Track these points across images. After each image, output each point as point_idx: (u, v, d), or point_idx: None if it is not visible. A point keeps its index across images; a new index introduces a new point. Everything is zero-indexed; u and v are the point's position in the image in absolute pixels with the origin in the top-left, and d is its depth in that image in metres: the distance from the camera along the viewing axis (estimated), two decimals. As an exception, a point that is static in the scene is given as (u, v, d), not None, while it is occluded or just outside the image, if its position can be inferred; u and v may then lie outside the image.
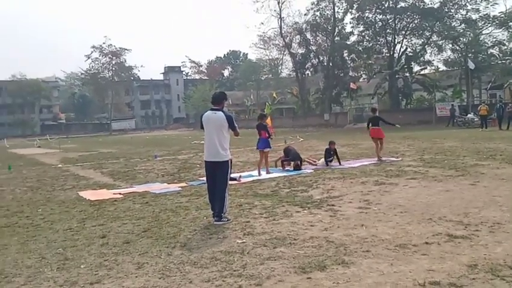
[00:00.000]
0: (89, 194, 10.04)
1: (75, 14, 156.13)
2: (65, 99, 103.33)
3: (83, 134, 74.67)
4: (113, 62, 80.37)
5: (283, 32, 55.37)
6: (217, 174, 6.81)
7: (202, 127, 7.01)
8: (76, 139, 52.79)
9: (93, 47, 78.22)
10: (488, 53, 44.95)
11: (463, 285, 3.83)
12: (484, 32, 44.13)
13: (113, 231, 6.44)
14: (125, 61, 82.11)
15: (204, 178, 11.46)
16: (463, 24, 43.43)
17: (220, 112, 6.87)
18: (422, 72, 48.44)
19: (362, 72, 56.25)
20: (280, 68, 74.40)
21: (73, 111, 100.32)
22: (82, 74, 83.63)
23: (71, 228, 6.79)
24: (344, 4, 49.29)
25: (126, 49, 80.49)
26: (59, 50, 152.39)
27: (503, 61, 43.31)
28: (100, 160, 19.79)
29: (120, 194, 9.86)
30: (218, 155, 6.78)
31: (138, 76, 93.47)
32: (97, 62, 79.98)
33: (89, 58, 79.31)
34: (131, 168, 15.67)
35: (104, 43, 78.47)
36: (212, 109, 6.94)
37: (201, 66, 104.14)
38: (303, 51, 55.16)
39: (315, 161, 13.43)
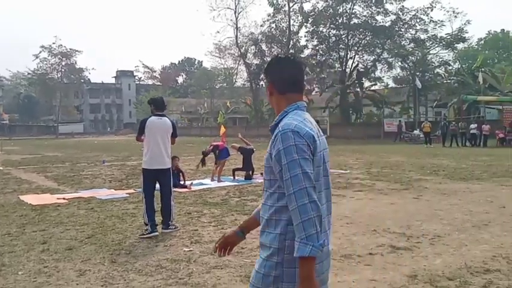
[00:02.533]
0: (31, 198, 9.64)
1: (23, 11, 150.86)
2: (9, 99, 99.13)
3: (27, 136, 71.76)
4: (63, 63, 77.88)
5: (238, 41, 55.62)
6: (163, 181, 6.64)
7: (141, 132, 6.60)
8: (19, 141, 50.72)
9: (42, 46, 75.52)
10: (435, 72, 46.90)
11: (403, 295, 3.95)
12: (431, 52, 46.07)
13: (55, 237, 6.21)
14: (76, 63, 79.74)
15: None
16: (412, 44, 45.16)
17: (166, 118, 6.74)
18: (373, 88, 49.85)
19: (314, 86, 57.25)
20: (235, 77, 74.61)
21: (18, 112, 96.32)
22: (28, 74, 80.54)
23: (9, 234, 6.49)
24: (299, 18, 50.12)
25: (77, 50, 78.32)
26: (4, 48, 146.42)
27: (449, 81, 45.32)
28: (45, 164, 19.09)
29: (64, 199, 9.54)
30: (164, 162, 6.61)
31: (89, 79, 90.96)
32: (45, 63, 77.21)
33: (37, 58, 76.51)
34: (77, 172, 15.20)
35: (54, 43, 75.88)
36: (156, 114, 6.67)
37: (155, 71, 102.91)
38: (258, 61, 55.56)
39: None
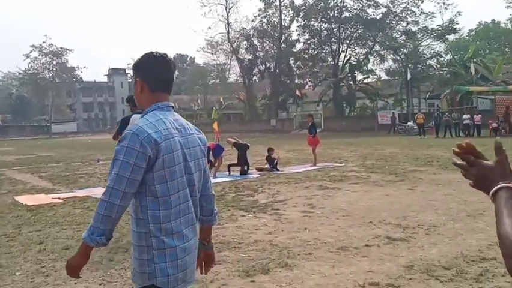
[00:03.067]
0: (26, 199, 9.60)
1: (12, 11, 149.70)
2: (1, 99, 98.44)
3: (21, 136, 71.35)
4: (54, 63, 77.29)
5: (230, 37, 55.50)
6: None
7: (122, 130, 6.22)
8: (13, 142, 50.45)
9: (32, 46, 74.82)
10: (427, 63, 47.07)
11: (400, 285, 3.98)
12: (423, 44, 46.25)
13: (52, 237, 6.20)
14: (67, 62, 79.16)
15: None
16: (403, 36, 45.34)
17: None
18: (365, 81, 49.96)
19: (307, 80, 57.31)
20: (227, 73, 74.43)
21: (10, 113, 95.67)
22: (20, 74, 79.95)
23: (6, 234, 6.47)
24: (291, 12, 50.12)
25: (68, 49, 77.62)
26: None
27: (441, 72, 45.49)
28: (39, 164, 19.01)
29: (60, 198, 9.51)
30: None
31: (81, 78, 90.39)
32: (36, 62, 76.60)
33: (28, 57, 75.89)
34: (72, 172, 15.15)
35: (44, 42, 75.23)
36: (137, 112, 6.32)
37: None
38: (251, 57, 55.52)
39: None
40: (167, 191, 1.91)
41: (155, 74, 2.05)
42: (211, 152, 12.23)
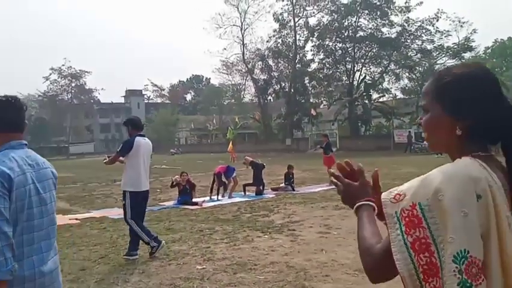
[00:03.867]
0: (43, 220, 9.68)
1: (31, 33, 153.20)
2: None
3: (39, 157, 72.17)
4: (73, 85, 78.90)
5: (245, 58, 55.98)
6: (145, 205, 6.56)
7: (125, 153, 6.31)
8: (31, 163, 51.10)
9: (52, 68, 76.56)
10: (443, 82, 46.75)
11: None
12: (438, 62, 46.00)
13: (68, 258, 6.24)
14: (85, 83, 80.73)
15: (166, 203, 11.43)
16: (418, 54, 45.22)
17: (148, 139, 6.63)
18: (381, 100, 49.77)
19: (322, 99, 57.30)
20: (242, 93, 74.87)
21: (29, 134, 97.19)
22: (39, 96, 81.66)
23: (23, 255, 6.51)
24: (305, 32, 50.47)
25: (86, 71, 79.23)
26: (15, 71, 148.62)
27: (457, 90, 45.08)
28: (57, 184, 19.19)
29: (77, 219, 9.58)
30: (148, 184, 6.51)
31: (98, 99, 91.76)
32: (55, 84, 78.29)
33: (47, 80, 77.63)
34: (89, 192, 15.28)
35: (63, 65, 76.90)
36: (140, 135, 6.42)
37: (163, 90, 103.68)
38: (265, 77, 55.84)
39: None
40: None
41: (2, 116, 2.21)
42: (222, 175, 12.25)
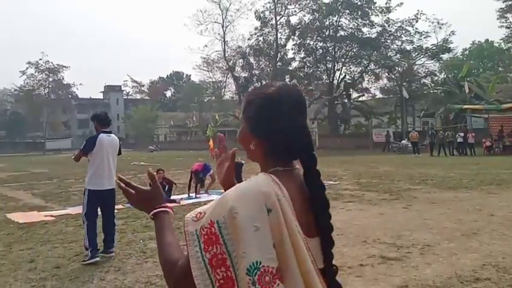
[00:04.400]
0: (17, 216, 9.51)
1: (7, 27, 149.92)
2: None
3: (14, 153, 70.98)
4: (50, 79, 77.55)
5: (226, 55, 55.85)
6: (109, 203, 6.24)
7: (87, 150, 6.12)
8: (6, 158, 50.13)
9: (29, 62, 75.15)
10: (421, 82, 47.46)
11: (394, 306, 3.94)
12: (417, 63, 46.69)
13: (43, 256, 6.13)
14: (63, 78, 79.41)
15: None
16: (398, 55, 45.78)
17: (113, 135, 6.38)
18: (360, 99, 50.22)
19: (303, 98, 57.55)
20: (223, 90, 74.72)
21: (4, 129, 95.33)
22: (15, 90, 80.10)
23: (-4, 253, 6.39)
24: (287, 31, 50.59)
25: (64, 66, 77.88)
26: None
27: (435, 91, 45.80)
28: (32, 181, 18.88)
29: (52, 216, 9.43)
30: (113, 182, 6.11)
31: (76, 94, 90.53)
32: (32, 79, 76.85)
33: (24, 74, 76.16)
34: (65, 189, 15.05)
35: (40, 59, 75.56)
36: (104, 131, 6.20)
37: (143, 86, 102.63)
38: (246, 74, 55.83)
39: None
40: None
41: None
42: (200, 173, 12.21)
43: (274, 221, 1.13)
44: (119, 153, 6.45)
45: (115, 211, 6.42)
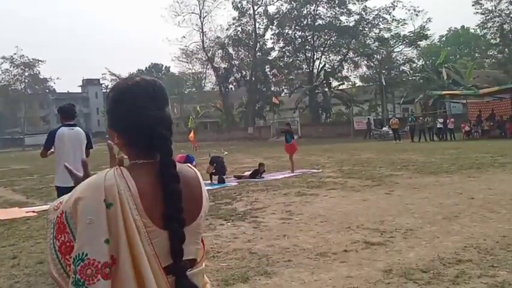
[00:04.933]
0: (-2, 213, 9.37)
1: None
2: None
3: (-8, 149, 69.72)
4: (26, 74, 76.10)
5: (205, 46, 55.52)
6: None
7: (48, 146, 5.89)
8: (-16, 155, 49.27)
9: (3, 57, 73.57)
10: (400, 69, 47.90)
11: (379, 289, 3.99)
12: (395, 50, 47.05)
13: (26, 251, 6.05)
14: (39, 73, 77.94)
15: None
16: (376, 42, 46.07)
17: (78, 128, 5.99)
18: (340, 88, 50.48)
19: (283, 87, 57.62)
20: (203, 81, 74.36)
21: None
22: (-10, 86, 78.40)
23: (-23, 251, 6.29)
24: (265, 20, 50.48)
25: (40, 60, 76.40)
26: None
27: (414, 77, 46.29)
28: (12, 177, 18.58)
29: (34, 212, 9.30)
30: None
31: (54, 89, 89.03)
32: (7, 74, 75.24)
33: (-2, 69, 74.59)
34: (46, 185, 14.81)
35: (15, 54, 74.00)
36: (66, 124, 5.87)
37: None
38: (226, 65, 55.62)
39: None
40: None
41: None
42: None
43: (113, 216, 1.15)
44: (90, 146, 6.05)
45: None
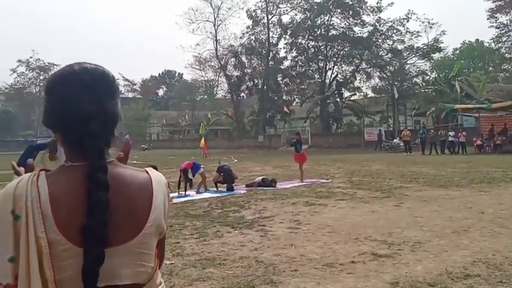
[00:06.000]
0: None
1: None
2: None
3: (5, 151, 70.35)
4: (41, 77, 77.21)
5: (218, 54, 55.79)
6: None
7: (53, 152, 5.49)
8: (-3, 157, 49.81)
9: (19, 61, 74.87)
10: (413, 81, 47.76)
11: (385, 302, 3.96)
12: (408, 62, 46.91)
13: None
14: (54, 77, 79.00)
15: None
16: (389, 54, 45.96)
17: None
18: (352, 98, 50.39)
19: (295, 96, 57.68)
20: (215, 89, 74.66)
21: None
22: (6, 88, 79.57)
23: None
24: (278, 29, 50.65)
25: (55, 64, 77.50)
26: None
27: (426, 90, 46.10)
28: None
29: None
30: None
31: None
32: (23, 77, 76.57)
33: (14, 72, 75.78)
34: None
35: (31, 57, 75.31)
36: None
37: (135, 84, 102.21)
38: (239, 73, 55.80)
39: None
40: None
41: None
42: (189, 171, 12.15)
43: (19, 230, 0.99)
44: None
45: None
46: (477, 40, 70.11)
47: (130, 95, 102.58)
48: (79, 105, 1.09)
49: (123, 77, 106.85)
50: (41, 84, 78.00)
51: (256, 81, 55.51)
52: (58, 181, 1.05)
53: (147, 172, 1.18)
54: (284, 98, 54.81)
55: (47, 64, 76.48)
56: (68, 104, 1.10)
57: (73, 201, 1.02)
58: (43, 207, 1.00)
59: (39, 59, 75.65)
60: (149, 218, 1.10)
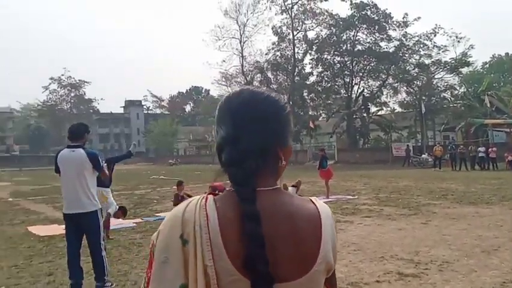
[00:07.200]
0: (38, 229, 9.69)
1: (32, 44, 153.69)
2: (19, 130, 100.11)
3: (37, 166, 72.16)
4: (72, 94, 79.28)
5: (244, 70, 56.23)
6: (86, 229, 5.20)
7: (57, 171, 5.30)
8: (29, 172, 51.08)
9: (51, 78, 77.06)
10: (441, 96, 47.05)
11: (411, 323, 3.90)
12: (436, 77, 46.31)
13: (61, 269, 6.21)
14: (85, 93, 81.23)
15: (162, 214, 11.40)
16: (416, 69, 45.45)
17: (80, 149, 5.22)
18: (379, 113, 49.94)
19: (321, 112, 57.49)
20: (241, 105, 75.05)
21: (28, 143, 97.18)
22: (38, 105, 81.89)
23: (16, 265, 6.51)
24: (304, 45, 50.75)
25: (86, 81, 79.83)
26: (15, 80, 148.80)
27: (455, 104, 45.36)
28: (53, 194, 19.12)
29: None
30: (81, 205, 5.09)
31: (97, 109, 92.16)
32: (55, 94, 78.80)
33: (46, 90, 78.01)
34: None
35: (63, 75, 77.49)
36: (69, 146, 5.28)
37: (163, 100, 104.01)
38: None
39: None
40: None
41: None
42: (217, 192, 12.11)
43: (188, 256, 0.95)
44: (97, 169, 5.32)
45: (102, 241, 5.35)
46: (507, 54, 68.73)
47: (158, 110, 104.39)
48: (219, 130, 1.09)
49: (151, 93, 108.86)
50: (72, 101, 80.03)
51: (282, 97, 55.58)
52: (225, 206, 0.99)
53: (313, 202, 1.10)
54: (310, 113, 54.67)
55: (77, 81, 78.48)
56: (217, 128, 1.11)
57: (239, 229, 0.95)
58: (212, 233, 0.95)
59: (70, 76, 77.73)
60: (319, 254, 1.02)
